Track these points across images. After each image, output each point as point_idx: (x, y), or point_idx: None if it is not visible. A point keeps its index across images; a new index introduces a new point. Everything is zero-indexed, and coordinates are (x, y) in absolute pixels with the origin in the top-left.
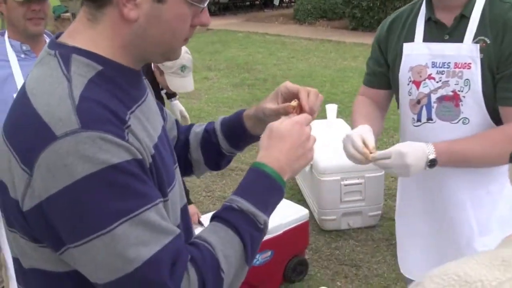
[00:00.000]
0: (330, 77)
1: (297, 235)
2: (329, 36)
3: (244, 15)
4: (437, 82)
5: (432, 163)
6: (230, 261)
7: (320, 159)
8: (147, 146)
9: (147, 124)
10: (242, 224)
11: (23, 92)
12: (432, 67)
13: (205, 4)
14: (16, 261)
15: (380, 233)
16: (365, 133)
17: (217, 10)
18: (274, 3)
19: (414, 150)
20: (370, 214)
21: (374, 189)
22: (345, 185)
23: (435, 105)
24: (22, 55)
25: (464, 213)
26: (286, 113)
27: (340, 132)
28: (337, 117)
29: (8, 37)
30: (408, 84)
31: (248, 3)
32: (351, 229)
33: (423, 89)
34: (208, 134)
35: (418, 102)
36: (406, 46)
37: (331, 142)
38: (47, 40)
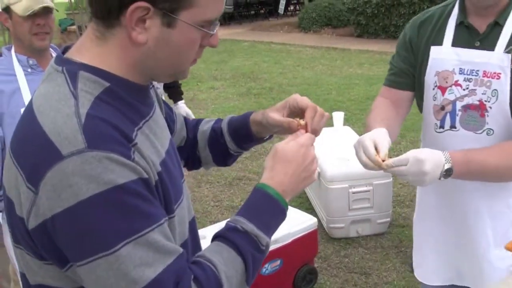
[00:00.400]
0: (336, 84)
1: (306, 243)
2: (334, 43)
3: (249, 24)
4: (464, 89)
5: (447, 173)
6: (232, 282)
7: (327, 167)
8: (154, 164)
9: (154, 140)
10: (245, 246)
11: (30, 109)
12: (460, 73)
13: (215, 31)
14: (23, 276)
15: (389, 240)
16: (378, 137)
17: (222, 19)
18: (279, 12)
19: (432, 157)
20: (378, 222)
21: (382, 196)
22: (353, 192)
23: (459, 113)
24: (29, 70)
25: (482, 223)
26: (289, 128)
27: (347, 139)
28: (344, 124)
29: (15, 52)
30: (434, 89)
31: (253, 12)
32: (360, 237)
33: (449, 96)
34: (216, 133)
35: (442, 108)
36: (434, 49)
37: (338, 150)
38: (53, 54)
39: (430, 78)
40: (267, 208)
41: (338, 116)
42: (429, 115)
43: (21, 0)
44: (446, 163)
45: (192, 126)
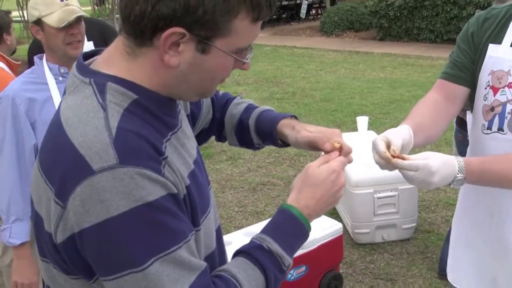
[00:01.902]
0: (359, 88)
1: (331, 249)
2: (357, 47)
3: (271, 29)
4: None
5: (459, 183)
6: None
7: (352, 172)
8: (183, 178)
9: (182, 151)
10: (269, 265)
11: (57, 121)
12: None
13: (249, 59)
14: None
15: (415, 246)
16: (392, 134)
17: None
18: (300, 16)
19: (443, 169)
20: (404, 227)
21: (408, 201)
22: (378, 197)
23: (509, 116)
24: (60, 78)
25: None
26: (322, 147)
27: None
28: (368, 129)
29: (46, 61)
30: (486, 88)
31: (274, 16)
32: (385, 242)
33: (500, 97)
34: (243, 126)
35: (492, 109)
36: (492, 48)
37: (362, 155)
38: None
39: (483, 77)
40: (292, 229)
41: (363, 121)
42: (478, 115)
43: (54, 12)
44: (459, 173)
45: (221, 106)
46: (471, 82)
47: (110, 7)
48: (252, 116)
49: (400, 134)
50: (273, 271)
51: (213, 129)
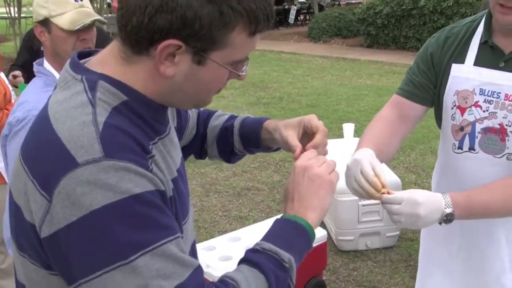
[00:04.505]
0: (346, 95)
1: (315, 256)
2: (344, 54)
3: (259, 33)
4: (484, 111)
5: (448, 217)
6: None
7: None
8: (168, 179)
9: (168, 158)
10: (266, 263)
11: (44, 115)
12: (480, 94)
13: (244, 72)
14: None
15: (398, 254)
16: (371, 160)
17: None
18: (289, 21)
19: (429, 200)
20: (388, 235)
21: None
22: (363, 205)
23: (479, 136)
24: None
25: (498, 247)
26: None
27: None
28: (354, 136)
29: (55, 69)
30: (452, 108)
31: None
32: (369, 250)
33: (468, 117)
34: (226, 132)
35: (461, 129)
36: (455, 67)
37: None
38: None
39: (449, 97)
40: (282, 228)
41: (349, 128)
42: (448, 134)
43: (66, 12)
44: (446, 207)
45: (203, 120)
46: (427, 100)
47: (98, 6)
48: (237, 120)
49: (374, 159)
50: (272, 269)
51: (194, 145)
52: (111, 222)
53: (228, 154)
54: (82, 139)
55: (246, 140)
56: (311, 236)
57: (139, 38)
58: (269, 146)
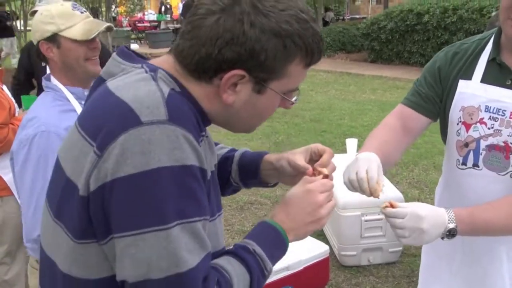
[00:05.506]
0: (349, 110)
1: (317, 271)
2: (348, 68)
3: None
4: (489, 128)
5: (451, 232)
6: None
7: (340, 195)
8: (209, 166)
9: (209, 153)
10: (254, 266)
11: (105, 90)
12: (485, 111)
13: (296, 101)
14: (48, 261)
15: (401, 269)
16: (374, 165)
17: None
18: None
19: (432, 215)
20: (390, 250)
21: None
22: (366, 220)
23: (483, 153)
24: (82, 102)
25: (499, 264)
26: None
27: None
28: (357, 151)
29: (65, 86)
30: (458, 124)
31: None
32: (371, 265)
33: (473, 133)
34: (226, 160)
35: (466, 145)
36: (462, 84)
37: None
38: None
39: (455, 112)
40: (271, 237)
41: (352, 143)
42: (452, 150)
43: (75, 24)
44: (449, 222)
45: None
46: (432, 113)
47: (104, 19)
48: (238, 151)
49: (380, 168)
50: (257, 273)
51: None
52: (159, 185)
53: (223, 184)
54: (148, 101)
55: (244, 170)
56: (286, 251)
57: (206, 68)
58: (266, 180)
